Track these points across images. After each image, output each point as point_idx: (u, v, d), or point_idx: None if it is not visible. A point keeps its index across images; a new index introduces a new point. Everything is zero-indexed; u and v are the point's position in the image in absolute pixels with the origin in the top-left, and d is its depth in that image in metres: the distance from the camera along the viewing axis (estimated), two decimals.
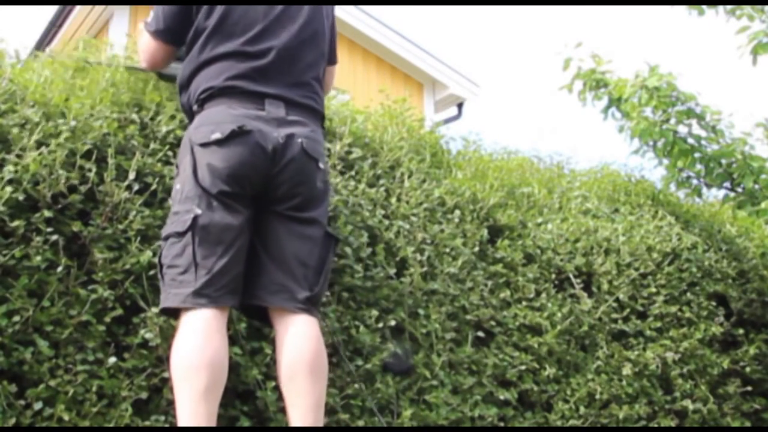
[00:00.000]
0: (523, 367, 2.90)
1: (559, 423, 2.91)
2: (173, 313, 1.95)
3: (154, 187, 2.27)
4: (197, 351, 1.82)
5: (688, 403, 3.29)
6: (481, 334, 2.86)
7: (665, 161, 4.25)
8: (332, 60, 2.37)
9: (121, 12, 7.21)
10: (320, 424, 1.92)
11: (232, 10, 2.10)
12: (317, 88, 2.18)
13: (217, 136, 1.95)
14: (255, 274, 2.01)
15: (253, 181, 1.97)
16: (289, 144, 2.00)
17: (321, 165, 2.08)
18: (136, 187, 2.23)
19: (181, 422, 1.79)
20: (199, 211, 1.91)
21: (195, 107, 2.08)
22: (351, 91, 6.26)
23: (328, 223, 2.14)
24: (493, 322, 2.91)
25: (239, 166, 1.94)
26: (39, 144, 2.14)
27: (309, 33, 2.18)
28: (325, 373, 1.97)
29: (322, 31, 2.23)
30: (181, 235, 1.91)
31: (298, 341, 1.94)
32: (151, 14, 2.25)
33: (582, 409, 2.99)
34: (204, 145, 1.96)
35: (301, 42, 2.15)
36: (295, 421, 1.89)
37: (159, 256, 1.97)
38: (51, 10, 7.53)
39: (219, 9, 2.09)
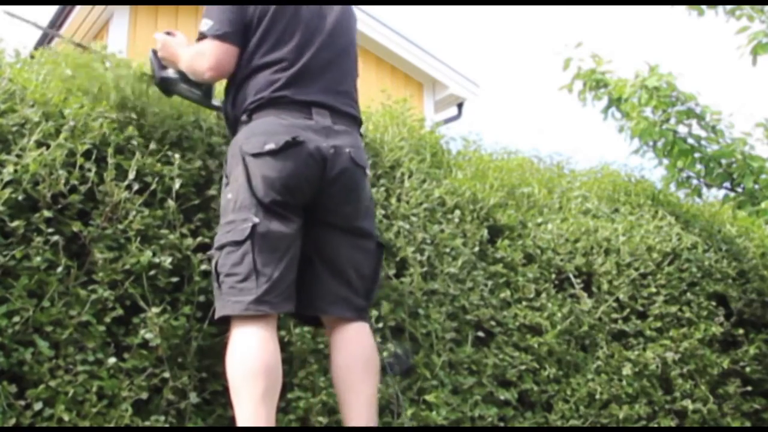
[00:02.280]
0: (523, 367, 2.90)
1: (559, 423, 2.91)
2: (227, 320, 2.00)
3: (153, 187, 2.27)
4: (255, 356, 1.87)
5: (688, 403, 3.29)
6: (481, 334, 2.86)
7: (665, 161, 4.25)
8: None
9: (121, 12, 7.20)
10: (375, 422, 2.00)
11: (277, 20, 2.13)
12: (355, 96, 2.24)
13: (270, 146, 1.98)
14: (311, 284, 2.08)
15: (305, 191, 2.03)
16: (338, 154, 2.05)
17: (367, 172, 2.14)
18: (136, 186, 2.23)
19: (241, 424, 1.84)
20: (257, 220, 1.95)
21: (243, 117, 2.11)
22: None
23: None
24: (493, 322, 2.91)
25: (292, 177, 1.99)
26: (39, 144, 2.14)
27: (345, 43, 2.24)
28: (377, 374, 2.07)
29: (354, 41, 2.29)
30: (239, 243, 1.94)
31: (354, 346, 2.05)
32: (206, 21, 2.16)
33: (582, 409, 2.99)
34: (257, 155, 1.99)
35: (340, 51, 2.21)
36: (350, 417, 1.99)
37: (215, 265, 1.99)
38: (51, 10, 7.52)
39: (267, 18, 2.13)
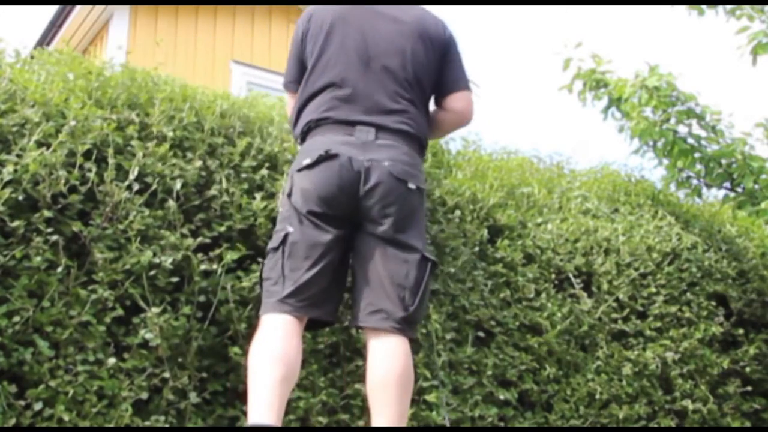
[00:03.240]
0: (523, 367, 2.90)
1: (559, 423, 2.91)
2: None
3: (154, 187, 2.27)
4: (276, 345, 1.97)
5: (688, 403, 3.29)
6: (481, 334, 2.86)
7: (665, 161, 4.24)
8: (450, 88, 2.36)
9: (121, 12, 7.20)
10: None
11: (326, 49, 2.23)
12: (414, 113, 2.23)
13: (307, 161, 2.11)
14: (351, 293, 2.16)
15: (342, 201, 2.08)
16: (374, 167, 2.08)
17: (411, 186, 2.12)
18: (136, 187, 2.23)
19: (253, 406, 1.88)
20: (291, 229, 2.08)
21: (299, 141, 2.27)
22: None
23: (425, 249, 2.15)
24: (493, 322, 2.91)
25: (326, 187, 2.08)
26: (39, 144, 2.14)
27: (397, 63, 2.23)
28: (410, 389, 2.07)
29: (408, 59, 2.25)
30: (275, 250, 2.08)
31: (389, 359, 2.04)
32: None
33: (582, 409, 2.99)
34: (299, 170, 2.13)
35: (382, 70, 2.22)
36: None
37: (260, 271, 2.14)
38: (51, 10, 7.52)
39: (317, 47, 2.24)
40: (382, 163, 2.09)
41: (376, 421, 1.99)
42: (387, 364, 2.03)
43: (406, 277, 2.08)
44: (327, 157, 2.09)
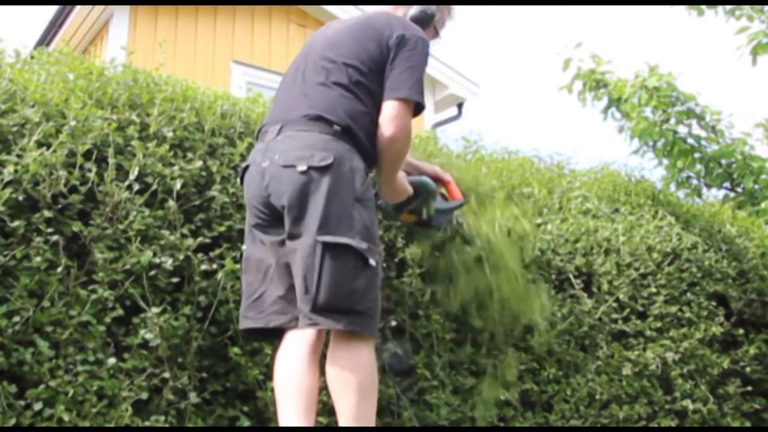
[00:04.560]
0: (523, 367, 2.90)
1: (559, 423, 2.91)
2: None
3: (154, 187, 2.27)
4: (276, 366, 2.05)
5: (688, 403, 3.29)
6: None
7: (665, 161, 4.25)
8: (384, 95, 2.13)
9: (121, 12, 7.20)
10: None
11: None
12: (324, 93, 2.10)
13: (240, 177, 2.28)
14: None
15: (260, 209, 2.09)
16: (268, 165, 2.05)
17: (301, 167, 1.97)
18: (136, 187, 2.23)
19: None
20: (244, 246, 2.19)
21: None
22: None
23: (323, 229, 1.93)
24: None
25: (248, 198, 2.16)
26: (39, 144, 2.14)
27: (316, 54, 2.21)
28: (352, 384, 1.93)
29: (329, 44, 2.20)
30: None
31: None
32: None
33: (582, 409, 2.99)
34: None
35: (306, 67, 2.20)
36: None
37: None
38: (51, 10, 7.53)
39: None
40: (274, 157, 2.03)
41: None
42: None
43: (303, 266, 1.92)
44: (243, 170, 2.16)
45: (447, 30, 2.56)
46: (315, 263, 1.90)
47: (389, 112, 2.09)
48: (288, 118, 2.10)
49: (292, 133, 2.06)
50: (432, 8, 2.41)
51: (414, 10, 2.38)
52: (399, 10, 2.39)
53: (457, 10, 2.58)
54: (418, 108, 2.13)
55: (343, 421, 1.90)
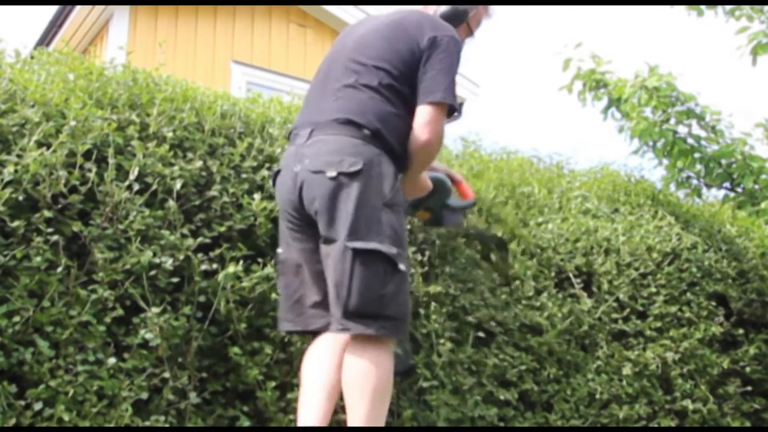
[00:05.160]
0: (523, 367, 2.90)
1: (559, 423, 2.91)
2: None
3: (154, 187, 2.27)
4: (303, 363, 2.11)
5: (688, 403, 3.29)
6: (481, 334, 2.86)
7: (665, 161, 4.25)
8: (418, 99, 2.12)
9: (121, 12, 7.20)
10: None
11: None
12: (353, 96, 2.08)
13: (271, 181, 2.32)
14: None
15: (295, 214, 2.11)
16: (300, 171, 2.05)
17: (330, 174, 1.98)
18: (136, 187, 2.23)
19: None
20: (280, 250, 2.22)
21: None
22: None
23: (353, 235, 1.94)
24: (493, 323, 2.91)
25: (282, 204, 2.18)
26: (39, 144, 2.14)
27: (345, 56, 2.19)
28: (368, 388, 1.94)
29: (358, 45, 2.19)
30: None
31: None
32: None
33: (582, 409, 2.99)
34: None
35: (335, 69, 2.19)
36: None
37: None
38: (51, 10, 7.53)
39: None
40: (304, 162, 2.03)
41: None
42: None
43: (335, 272, 1.94)
44: (275, 175, 2.18)
45: (483, 29, 2.48)
46: (346, 269, 1.92)
47: (424, 117, 2.09)
48: (318, 122, 2.09)
49: (322, 137, 2.06)
50: (463, 6, 2.36)
51: (444, 8, 2.35)
52: (429, 9, 2.37)
53: (497, 9, 2.48)
54: (451, 110, 2.14)
55: (353, 423, 1.90)
